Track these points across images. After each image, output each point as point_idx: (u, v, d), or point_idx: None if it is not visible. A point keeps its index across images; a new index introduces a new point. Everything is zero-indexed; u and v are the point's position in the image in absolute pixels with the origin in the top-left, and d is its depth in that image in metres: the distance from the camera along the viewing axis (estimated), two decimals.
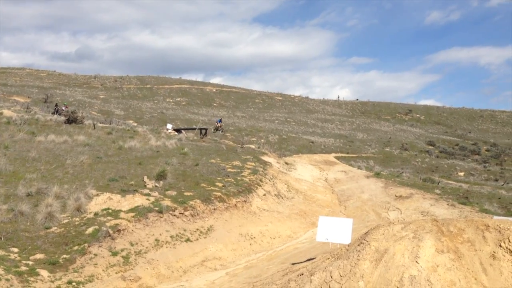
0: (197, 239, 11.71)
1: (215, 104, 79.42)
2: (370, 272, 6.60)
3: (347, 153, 47.01)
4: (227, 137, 43.13)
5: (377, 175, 24.75)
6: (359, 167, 30.93)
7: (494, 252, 6.70)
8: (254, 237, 13.14)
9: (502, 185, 32.45)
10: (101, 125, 28.36)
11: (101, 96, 68.16)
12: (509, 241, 6.79)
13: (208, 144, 26.99)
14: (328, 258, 7.44)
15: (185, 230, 11.80)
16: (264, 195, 16.72)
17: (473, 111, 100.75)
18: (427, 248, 6.77)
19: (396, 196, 19.00)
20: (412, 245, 6.85)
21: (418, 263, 6.56)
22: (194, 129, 38.90)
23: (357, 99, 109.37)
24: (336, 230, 9.64)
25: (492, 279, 6.36)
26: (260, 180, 17.91)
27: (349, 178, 24.16)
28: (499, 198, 19.25)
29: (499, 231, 6.99)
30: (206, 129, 39.96)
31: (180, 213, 12.33)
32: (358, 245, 7.23)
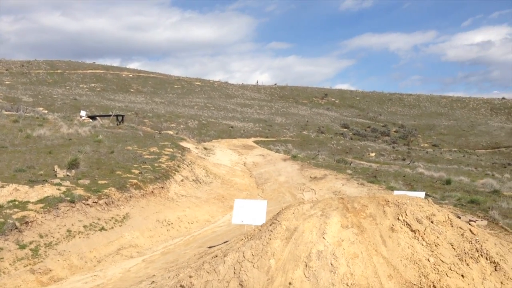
0: (112, 228, 11.48)
1: (132, 90, 77.22)
2: (281, 250, 6.88)
3: (266, 137, 47.91)
4: (145, 123, 42.24)
5: (294, 158, 25.49)
6: (277, 151, 31.65)
7: (393, 225, 7.23)
8: (172, 223, 13.11)
9: (408, 163, 34.74)
10: (6, 113, 26.61)
11: (7, 82, 63.83)
12: (406, 214, 7.36)
13: (124, 131, 26.30)
14: (241, 239, 7.64)
15: (99, 219, 11.51)
16: (182, 180, 16.67)
17: (383, 95, 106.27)
18: (333, 225, 7.17)
19: (311, 177, 19.74)
20: (320, 222, 7.22)
21: (325, 239, 6.93)
22: (110, 115, 37.64)
23: (276, 84, 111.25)
24: (251, 212, 9.87)
25: (391, 250, 6.87)
26: (178, 166, 17.82)
27: (267, 161, 24.69)
28: (404, 176, 20.63)
29: (398, 205, 7.56)
30: (122, 116, 38.83)
31: (93, 202, 11.99)
32: (270, 225, 7.50)
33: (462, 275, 6.54)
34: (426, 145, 62.40)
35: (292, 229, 7.22)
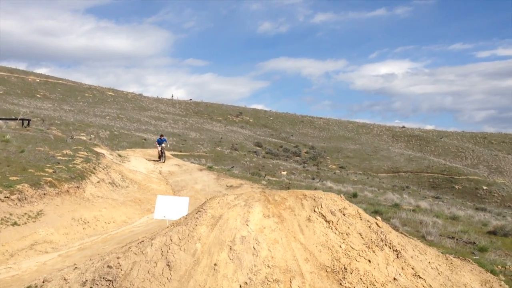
0: (26, 223, 11.10)
1: (38, 96, 73.30)
2: (207, 235, 7.24)
3: (180, 151, 47.70)
4: (53, 130, 40.32)
5: (210, 168, 25.86)
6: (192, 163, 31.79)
7: (309, 216, 7.88)
8: (88, 222, 12.88)
9: (317, 182, 36.47)
10: None
11: None
12: (321, 206, 8.06)
13: (33, 133, 25.11)
14: (167, 226, 7.89)
15: (11, 214, 11.07)
16: (98, 182, 16.37)
17: (296, 117, 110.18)
18: (256, 214, 7.67)
19: (227, 186, 20.22)
20: (243, 211, 7.68)
21: (248, 225, 7.40)
22: (15, 119, 35.60)
23: (191, 99, 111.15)
24: (173, 208, 10.11)
25: (307, 237, 7.50)
26: (94, 168, 17.46)
27: (183, 171, 24.81)
28: (315, 189, 21.81)
29: (314, 199, 8.24)
30: (29, 120, 36.86)
31: (5, 197, 11.51)
32: (196, 213, 7.83)
33: (369, 260, 7.30)
34: (334, 166, 65.58)
35: (217, 216, 7.61)
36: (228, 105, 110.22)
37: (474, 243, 12.65)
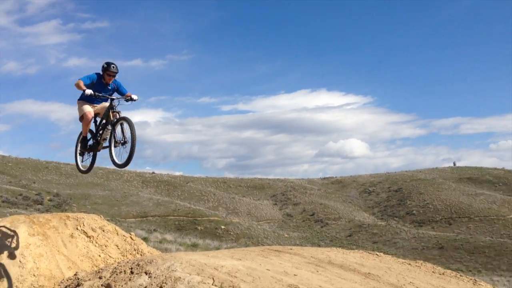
0: None
1: None
2: None
3: None
4: None
5: None
6: None
7: (72, 233, 9.04)
8: None
9: None
10: None
11: None
12: (83, 225, 9.30)
13: None
14: None
15: None
16: None
17: (39, 162, 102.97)
18: (22, 233, 8.44)
19: None
20: (9, 231, 8.37)
21: (14, 243, 8.14)
22: None
23: None
24: None
25: (70, 250, 8.64)
26: None
27: None
28: None
29: (77, 219, 9.43)
30: None
31: None
32: None
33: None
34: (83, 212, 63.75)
35: None
36: None
37: None
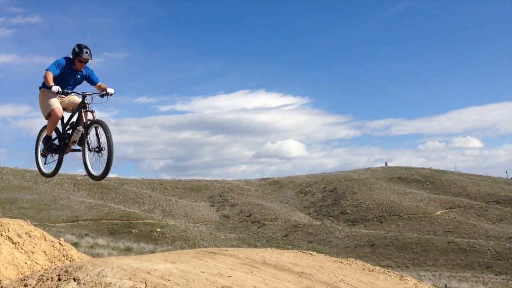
0: None
1: None
2: None
3: None
4: None
5: None
6: None
7: None
8: None
9: None
10: None
11: None
12: (8, 231, 8.85)
13: None
14: None
15: None
16: None
17: None
18: None
19: None
20: None
21: None
22: None
23: None
24: None
25: None
26: None
27: None
28: None
29: (1, 225, 8.97)
30: None
31: None
32: None
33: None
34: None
35: None
36: None
37: None
